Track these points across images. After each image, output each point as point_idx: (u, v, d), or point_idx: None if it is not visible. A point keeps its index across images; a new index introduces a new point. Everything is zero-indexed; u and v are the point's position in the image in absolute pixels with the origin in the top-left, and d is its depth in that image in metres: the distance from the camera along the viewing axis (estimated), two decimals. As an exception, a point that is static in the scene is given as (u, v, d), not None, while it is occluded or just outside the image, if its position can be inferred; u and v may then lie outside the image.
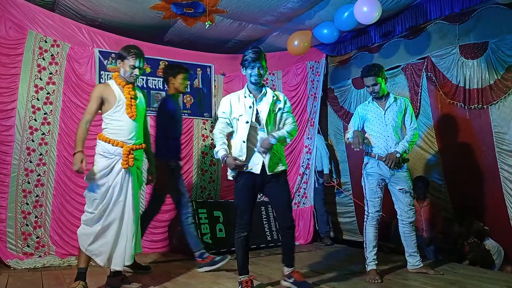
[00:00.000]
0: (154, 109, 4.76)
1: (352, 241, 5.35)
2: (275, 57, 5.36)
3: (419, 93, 4.54)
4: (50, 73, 4.17)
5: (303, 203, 5.38)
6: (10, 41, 3.94)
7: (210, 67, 5.15)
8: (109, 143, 2.84)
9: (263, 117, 2.84)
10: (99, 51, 4.44)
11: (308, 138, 5.46)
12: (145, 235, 4.51)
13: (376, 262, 3.32)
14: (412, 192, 3.44)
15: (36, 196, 4.02)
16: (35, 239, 3.96)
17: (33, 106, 4.06)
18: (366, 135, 3.46)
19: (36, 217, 4.00)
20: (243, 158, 2.80)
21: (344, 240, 5.54)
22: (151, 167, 3.26)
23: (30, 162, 4.01)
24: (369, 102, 3.51)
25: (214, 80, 5.17)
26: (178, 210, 3.76)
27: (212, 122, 5.12)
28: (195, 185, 4.98)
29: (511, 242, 3.83)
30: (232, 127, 2.92)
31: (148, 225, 3.86)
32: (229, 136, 2.94)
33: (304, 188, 5.39)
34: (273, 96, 2.93)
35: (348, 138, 3.46)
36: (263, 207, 5.03)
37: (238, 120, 2.87)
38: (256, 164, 2.82)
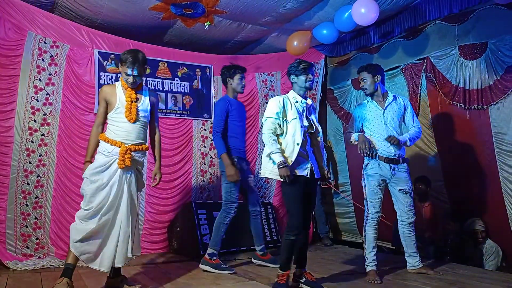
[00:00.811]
0: (159, 110, 4.76)
1: (352, 242, 5.35)
2: (274, 58, 5.37)
3: (419, 94, 4.54)
4: (50, 74, 4.17)
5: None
6: (9, 42, 3.94)
7: (209, 68, 5.15)
8: (108, 142, 2.86)
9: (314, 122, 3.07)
10: (99, 52, 4.44)
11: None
12: (145, 236, 4.53)
13: (376, 263, 3.33)
14: (412, 193, 3.44)
15: (36, 197, 4.02)
16: (34, 241, 3.95)
17: (32, 107, 4.06)
18: (366, 136, 3.46)
19: (35, 218, 4.00)
20: (292, 159, 2.88)
21: (343, 240, 5.54)
22: (155, 169, 3.19)
23: (30, 163, 4.01)
24: (368, 101, 3.52)
25: (214, 81, 5.17)
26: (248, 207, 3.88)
27: (211, 123, 5.13)
28: (195, 186, 4.98)
29: (511, 242, 3.83)
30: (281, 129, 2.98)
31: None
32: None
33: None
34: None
35: (354, 141, 3.47)
36: (263, 208, 5.01)
37: (290, 123, 2.95)
38: (306, 169, 2.92)
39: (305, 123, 2.99)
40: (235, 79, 3.82)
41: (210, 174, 5.11)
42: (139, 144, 2.94)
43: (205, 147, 5.08)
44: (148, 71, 4.69)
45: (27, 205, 3.97)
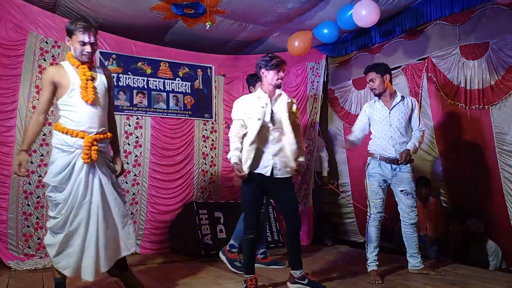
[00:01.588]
0: (154, 109, 4.77)
1: (353, 242, 5.34)
2: (275, 58, 5.36)
3: (420, 94, 4.54)
4: (51, 74, 4.16)
5: (303, 204, 5.37)
6: (11, 42, 3.94)
7: (210, 68, 5.16)
8: (67, 134, 2.45)
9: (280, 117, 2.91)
10: (100, 52, 4.43)
11: (308, 139, 5.46)
12: (146, 236, 4.54)
13: (377, 263, 3.33)
14: (415, 194, 3.43)
15: (37, 197, 4.02)
16: (36, 241, 3.95)
17: (34, 107, 4.05)
18: (371, 136, 3.47)
19: (37, 218, 4.00)
20: (250, 157, 2.84)
21: (344, 240, 5.53)
22: (116, 158, 2.78)
23: (31, 163, 4.00)
24: (375, 102, 3.50)
25: (215, 81, 5.18)
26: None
27: (212, 123, 5.14)
28: (196, 186, 4.98)
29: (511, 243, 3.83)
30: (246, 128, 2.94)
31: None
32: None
33: (304, 189, 5.39)
34: (288, 98, 3.01)
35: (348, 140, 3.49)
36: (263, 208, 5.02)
37: (251, 120, 2.90)
38: (265, 167, 2.87)
39: (266, 119, 2.88)
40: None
41: (211, 174, 5.11)
42: (103, 132, 2.56)
43: (206, 147, 5.09)
44: (149, 71, 4.70)
45: (28, 205, 3.97)
